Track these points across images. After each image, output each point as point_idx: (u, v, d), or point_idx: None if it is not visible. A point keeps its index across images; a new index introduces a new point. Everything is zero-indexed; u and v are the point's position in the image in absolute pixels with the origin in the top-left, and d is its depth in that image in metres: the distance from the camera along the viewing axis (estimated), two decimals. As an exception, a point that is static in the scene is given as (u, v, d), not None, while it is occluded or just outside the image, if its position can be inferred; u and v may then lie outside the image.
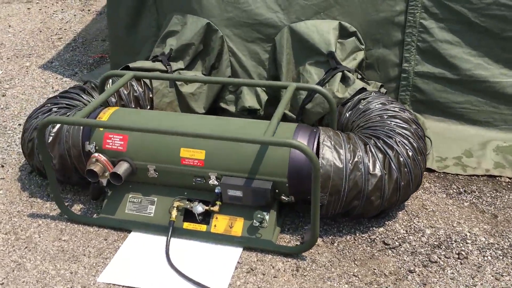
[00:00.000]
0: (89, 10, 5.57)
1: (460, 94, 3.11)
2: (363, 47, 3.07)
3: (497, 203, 2.58)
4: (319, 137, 2.31)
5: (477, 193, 2.65)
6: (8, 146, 3.15)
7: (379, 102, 2.65)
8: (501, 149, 3.00)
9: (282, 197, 2.30)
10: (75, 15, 5.42)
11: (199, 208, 2.36)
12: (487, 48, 2.99)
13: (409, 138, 2.41)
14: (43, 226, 2.49)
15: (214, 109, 3.24)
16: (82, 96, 2.85)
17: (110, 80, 2.89)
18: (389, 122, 2.49)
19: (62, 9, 5.61)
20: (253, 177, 2.28)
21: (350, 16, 3.03)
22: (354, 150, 2.28)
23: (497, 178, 2.77)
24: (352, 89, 2.76)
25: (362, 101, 2.70)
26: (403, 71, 3.14)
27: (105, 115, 2.51)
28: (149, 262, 2.27)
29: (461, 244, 2.32)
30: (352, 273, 2.19)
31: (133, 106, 2.93)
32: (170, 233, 2.35)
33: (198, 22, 3.11)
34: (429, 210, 2.53)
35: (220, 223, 2.37)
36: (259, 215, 2.29)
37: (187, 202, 2.40)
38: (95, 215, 2.57)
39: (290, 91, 2.43)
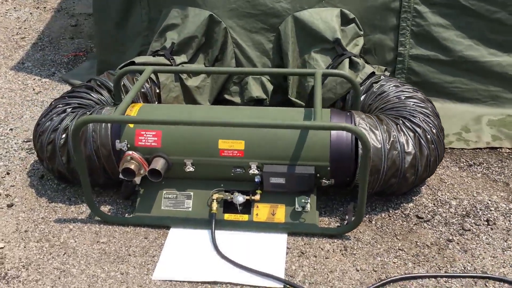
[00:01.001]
0: (44, 7, 5.33)
1: (452, 75, 3.29)
2: (362, 33, 3.17)
3: (506, 172, 2.78)
4: (354, 120, 2.39)
5: (485, 164, 2.84)
6: (6, 152, 3.00)
7: (392, 85, 2.76)
8: (493, 122, 3.22)
9: (323, 180, 2.36)
10: (31, 13, 5.16)
11: (239, 198, 2.37)
12: (476, 30, 3.19)
13: (430, 116, 2.54)
14: (75, 231, 2.41)
15: (218, 101, 3.23)
16: (92, 94, 2.76)
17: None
18: (408, 102, 2.61)
19: (14, 8, 5.32)
20: (294, 163, 2.33)
21: (349, 3, 3.12)
22: (389, 130, 2.38)
23: (498, 149, 2.98)
24: (364, 74, 2.86)
25: (374, 84, 2.80)
26: (398, 55, 3.28)
27: (132, 112, 2.46)
28: (199, 255, 2.26)
29: (486, 212, 2.49)
30: (397, 247, 2.29)
31: (141, 102, 2.87)
32: (213, 225, 2.34)
33: (201, 14, 3.08)
34: (448, 183, 2.69)
35: (261, 211, 2.40)
36: (303, 200, 2.34)
37: (226, 193, 2.41)
38: (126, 214, 2.52)
39: (319, 77, 2.48)
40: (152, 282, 2.13)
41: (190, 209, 2.43)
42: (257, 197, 2.38)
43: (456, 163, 2.85)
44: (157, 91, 2.96)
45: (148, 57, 3.05)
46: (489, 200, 2.57)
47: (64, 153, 2.48)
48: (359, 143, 2.30)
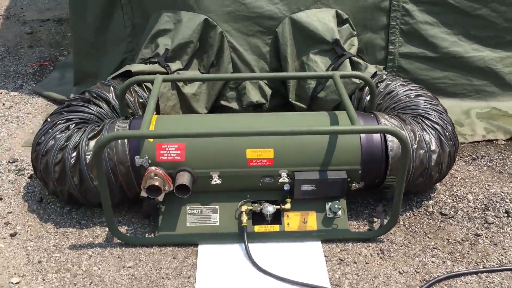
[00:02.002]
0: (-11, 15, 4.95)
1: (439, 71, 3.37)
2: (355, 33, 3.17)
3: (508, 163, 2.88)
4: (379, 121, 2.37)
5: (487, 157, 2.93)
6: (-8, 175, 2.73)
7: (398, 84, 2.78)
8: (481, 115, 3.33)
9: (354, 184, 2.33)
10: (-23, 22, 4.78)
11: (270, 208, 2.29)
12: (461, 26, 3.28)
13: (443, 113, 2.58)
14: (95, 256, 2.23)
15: (214, 107, 3.12)
16: (91, 108, 2.58)
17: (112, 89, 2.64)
18: (419, 100, 2.63)
19: (-44, 16, 4.91)
20: (325, 169, 2.28)
21: (342, 4, 3.11)
22: (413, 129, 2.39)
23: (494, 141, 3.08)
24: (368, 74, 2.85)
25: (379, 84, 2.81)
26: (389, 53, 3.31)
27: (150, 127, 2.31)
28: (237, 272, 2.16)
29: (503, 204, 2.56)
30: (431, 246, 2.30)
31: (141, 113, 2.72)
32: (246, 238, 2.25)
33: (195, 18, 2.96)
34: (459, 178, 2.74)
35: (292, 220, 2.33)
36: (336, 206, 2.30)
37: (254, 204, 2.32)
38: (146, 234, 2.36)
39: (339, 80, 2.44)
40: (196, 305, 2.01)
41: (218, 224, 2.32)
42: (288, 206, 2.31)
43: (460, 157, 2.92)
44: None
45: (140, 65, 2.88)
46: (502, 192, 2.64)
47: (76, 174, 2.29)
48: (388, 144, 2.29)
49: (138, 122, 2.34)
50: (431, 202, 2.56)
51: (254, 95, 3.06)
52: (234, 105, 3.13)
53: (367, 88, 2.82)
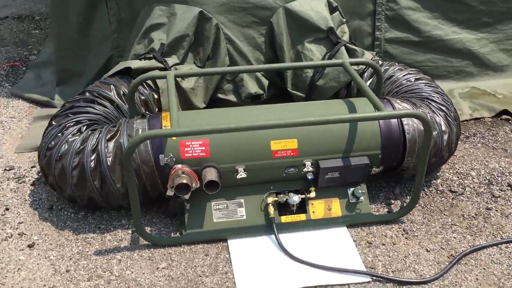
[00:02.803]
0: None
1: (422, 54, 3.50)
2: (344, 20, 3.23)
3: (498, 139, 3.03)
4: (393, 105, 2.44)
5: (479, 135, 3.07)
6: (-9, 185, 2.59)
7: (396, 69, 2.86)
8: (463, 95, 3.49)
9: (374, 168, 2.39)
10: None
11: (295, 198, 2.31)
12: (441, 10, 3.41)
13: (444, 94, 2.68)
14: (125, 260, 2.17)
15: (211, 101, 3.08)
16: (96, 108, 2.49)
17: (114, 89, 2.56)
18: (420, 84, 2.72)
19: None
20: (348, 156, 2.32)
21: (332, -8, 3.15)
22: (424, 112, 2.47)
23: (480, 119, 3.24)
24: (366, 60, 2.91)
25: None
26: (376, 39, 3.40)
27: (168, 124, 2.27)
28: (272, 263, 2.17)
29: (504, 177, 2.71)
30: (450, 223, 2.41)
31: (144, 110, 2.66)
32: (275, 230, 2.26)
33: (190, 11, 2.91)
34: (458, 156, 2.87)
35: (317, 208, 2.36)
36: (360, 191, 2.35)
37: (280, 195, 2.33)
38: (172, 234, 2.32)
39: (349, 67, 2.48)
40: (241, 300, 2.00)
41: (245, 217, 2.31)
42: (313, 194, 2.34)
43: (455, 136, 3.04)
44: (156, 97, 2.74)
45: (138, 61, 2.80)
46: (500, 166, 2.79)
47: (97, 177, 2.21)
48: (405, 127, 2.36)
49: (157, 120, 2.29)
50: (439, 181, 2.67)
51: (252, 87, 3.05)
52: (232, 97, 3.10)
53: (365, 74, 2.88)
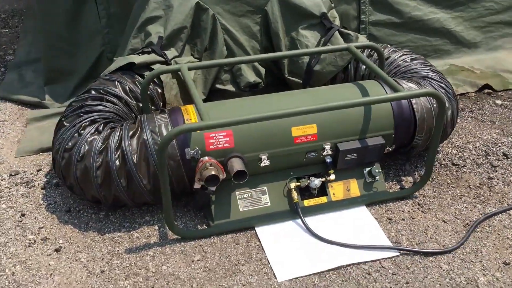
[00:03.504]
0: None
1: (403, 35, 3.63)
2: (333, 5, 3.30)
3: (485, 112, 3.21)
4: (401, 85, 2.53)
5: (467, 109, 3.24)
6: (-1, 191, 2.52)
7: (391, 50, 2.96)
8: (443, 72, 3.63)
9: (387, 148, 2.48)
10: None
11: (316, 182, 2.38)
12: (420, -9, 3.55)
13: (439, 72, 2.81)
14: (158, 256, 2.18)
15: (210, 91, 3.09)
16: (106, 105, 2.47)
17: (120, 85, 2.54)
18: (417, 64, 2.82)
19: None
20: (364, 137, 2.40)
21: (320, -23, 3.20)
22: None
23: (465, 94, 3.40)
24: (361, 43, 3.00)
25: (371, 52, 2.97)
26: (361, 23, 3.50)
27: (191, 115, 2.27)
28: (304, 246, 2.23)
29: (497, 148, 2.87)
30: (459, 194, 2.54)
31: (150, 105, 2.64)
32: (301, 214, 2.32)
33: (186, 3, 2.89)
34: (453, 131, 3.01)
35: (337, 190, 2.44)
36: (377, 170, 2.44)
37: (302, 180, 2.39)
38: (198, 226, 2.34)
39: (357, 51, 2.56)
40: (282, 284, 2.06)
41: (269, 204, 2.36)
42: (332, 177, 2.41)
43: (445, 112, 3.19)
44: (159, 91, 2.73)
45: (138, 56, 2.77)
46: (492, 138, 2.96)
47: (122, 175, 2.19)
48: (414, 106, 2.46)
49: (178, 114, 2.29)
50: (440, 155, 2.80)
51: (250, 75, 3.08)
52: (230, 87, 3.12)
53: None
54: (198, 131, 2.22)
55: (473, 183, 2.61)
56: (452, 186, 2.59)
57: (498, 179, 2.64)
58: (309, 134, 2.32)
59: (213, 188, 2.24)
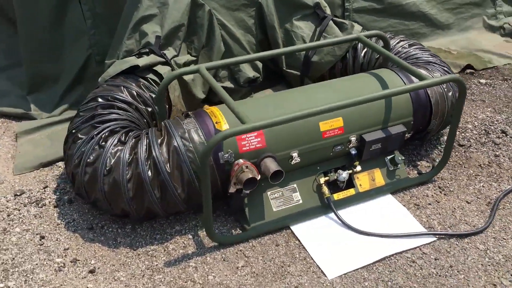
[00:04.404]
0: None
1: (384, 20, 3.69)
2: (320, -5, 3.29)
3: (474, 92, 3.33)
4: (412, 73, 2.56)
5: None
6: (10, 215, 2.33)
7: (387, 37, 2.99)
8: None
9: (406, 134, 2.52)
10: None
11: (344, 175, 2.38)
12: (396, -24, 3.62)
13: (437, 56, 2.87)
14: (200, 266, 2.10)
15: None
16: (119, 113, 2.35)
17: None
18: (416, 50, 2.87)
19: None
20: (386, 126, 2.42)
21: (307, -33, 3.18)
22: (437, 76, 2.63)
23: (449, 75, 3.51)
24: (356, 32, 3.02)
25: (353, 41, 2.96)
26: (345, 10, 3.52)
27: (218, 118, 2.20)
28: (344, 241, 2.23)
29: (495, 126, 2.99)
30: (473, 174, 2.63)
31: (156, 108, 2.54)
32: (334, 208, 2.32)
33: (182, -1, 2.78)
34: (449, 112, 3.10)
35: (363, 181, 2.45)
36: (400, 158, 2.47)
37: (330, 174, 2.38)
38: (233, 231, 2.28)
39: (366, 40, 2.56)
40: (334, 282, 2.05)
41: (301, 201, 2.34)
42: (359, 168, 2.42)
43: (437, 94, 3.27)
44: (165, 94, 2.62)
45: (140, 58, 2.64)
46: (487, 116, 3.07)
47: (156, 186, 2.09)
48: (428, 92, 2.51)
49: (205, 117, 2.20)
50: (444, 138, 2.87)
51: (249, 71, 3.02)
52: (228, 84, 3.05)
53: (359, 45, 2.98)
54: (229, 134, 2.14)
55: (483, 162, 2.70)
56: (464, 167, 2.67)
57: (504, 156, 2.75)
58: (336, 127, 2.31)
59: (248, 191, 2.18)
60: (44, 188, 2.48)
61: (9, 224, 2.27)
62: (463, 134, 2.90)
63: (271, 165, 2.15)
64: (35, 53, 2.97)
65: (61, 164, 2.63)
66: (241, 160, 2.13)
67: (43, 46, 2.95)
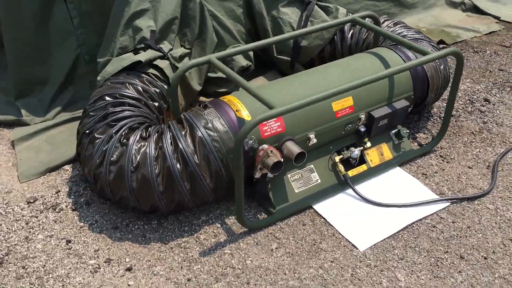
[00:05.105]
0: None
1: (357, 3, 3.84)
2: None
3: (451, 65, 3.49)
4: (403, 50, 2.68)
5: (433, 64, 3.50)
6: (28, 223, 2.27)
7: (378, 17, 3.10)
8: (397, 34, 3.89)
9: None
10: None
11: (356, 152, 2.47)
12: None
13: (421, 33, 3.01)
14: (235, 252, 2.14)
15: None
16: (132, 110, 2.33)
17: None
18: (400, 28, 3.00)
19: None
20: (391, 102, 2.53)
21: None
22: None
23: (424, 51, 3.67)
24: (342, 15, 3.11)
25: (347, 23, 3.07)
26: (320, -6, 3.59)
27: (239, 107, 2.23)
28: (366, 214, 2.32)
29: (477, 95, 3.17)
30: (468, 141, 2.79)
31: (163, 102, 2.55)
32: (352, 184, 2.41)
33: (174, -9, 2.77)
34: (433, 85, 3.26)
35: (372, 156, 2.55)
36: (405, 131, 2.59)
37: (343, 152, 2.46)
38: (258, 216, 2.33)
39: (362, 21, 2.66)
40: (366, 253, 2.14)
41: (319, 181, 2.41)
42: (369, 144, 2.51)
43: (417, 70, 3.43)
44: (166, 87, 2.62)
45: (130, 54, 2.61)
46: (468, 87, 3.25)
47: (185, 178, 2.10)
48: (425, 67, 2.63)
49: (225, 106, 2.22)
50: (434, 110, 3.02)
51: (242, 60, 3.04)
52: (221, 74, 3.06)
53: (346, 28, 3.07)
54: (249, 118, 2.18)
55: (474, 129, 2.86)
56: (459, 135, 2.82)
57: (491, 122, 2.93)
58: (347, 106, 2.39)
59: (272, 175, 2.23)
60: (57, 193, 2.42)
61: (30, 232, 2.21)
62: (450, 105, 3.05)
63: (294, 148, 2.20)
64: (21, 57, 2.87)
65: (68, 167, 2.58)
66: (265, 146, 2.17)
67: (29, 49, 2.86)
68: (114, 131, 2.18)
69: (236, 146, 1.95)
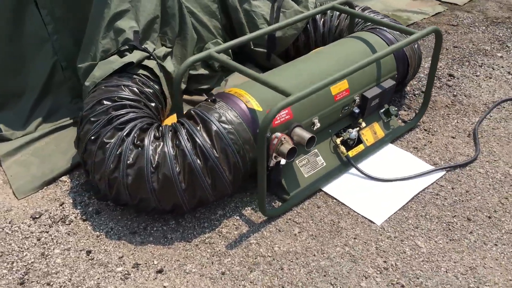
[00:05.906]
0: None
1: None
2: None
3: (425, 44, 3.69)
4: (383, 33, 2.81)
5: (395, 46, 3.69)
6: (40, 239, 2.19)
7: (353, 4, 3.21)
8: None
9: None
10: None
11: (354, 133, 2.57)
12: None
13: (388, 17, 3.17)
14: (260, 241, 2.17)
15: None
16: (135, 111, 2.30)
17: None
18: (370, 13, 3.14)
19: None
20: (379, 82, 2.65)
21: None
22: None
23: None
24: (312, 3, 3.21)
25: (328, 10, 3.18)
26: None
27: (247, 98, 2.26)
28: (372, 189, 2.43)
29: (441, 71, 3.38)
30: (445, 114, 2.97)
31: (158, 102, 2.54)
32: (355, 163, 2.51)
33: (152, -10, 2.74)
34: (400, 66, 3.43)
35: (367, 136, 2.66)
36: (394, 109, 2.72)
37: (343, 134, 2.56)
38: (273, 204, 2.37)
39: (342, 7, 2.76)
40: (384, 226, 2.24)
41: (325, 164, 2.48)
42: (364, 124, 2.62)
43: (381, 52, 3.59)
44: (156, 87, 2.61)
45: (116, 58, 2.57)
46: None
47: (207, 174, 2.10)
48: (404, 48, 2.78)
49: (234, 98, 2.24)
50: (409, 88, 3.19)
51: (221, 55, 3.05)
52: (202, 71, 3.07)
53: (317, 16, 3.17)
54: (261, 109, 2.22)
55: (447, 103, 3.06)
56: (435, 109, 3.00)
57: (460, 94, 3.14)
58: (343, 89, 2.48)
59: (284, 162, 2.28)
60: (61, 205, 2.34)
61: (45, 247, 2.12)
62: (420, 83, 3.24)
63: (304, 133, 2.26)
64: (-5, 70, 2.73)
65: (65, 178, 2.49)
66: (278, 134, 2.21)
67: (2, 60, 2.72)
68: (124, 134, 2.13)
69: (260, 135, 1.98)
